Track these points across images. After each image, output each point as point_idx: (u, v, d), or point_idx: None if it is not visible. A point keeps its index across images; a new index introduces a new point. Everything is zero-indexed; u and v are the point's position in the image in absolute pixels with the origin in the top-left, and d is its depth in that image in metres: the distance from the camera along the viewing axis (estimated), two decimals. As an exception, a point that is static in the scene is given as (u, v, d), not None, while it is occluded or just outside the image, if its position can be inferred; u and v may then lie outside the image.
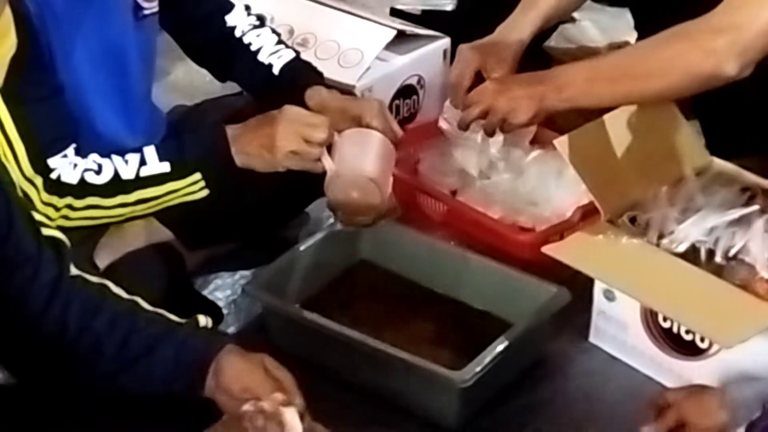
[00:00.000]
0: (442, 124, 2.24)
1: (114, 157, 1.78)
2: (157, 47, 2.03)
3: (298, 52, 2.09)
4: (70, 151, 1.75)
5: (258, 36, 2.06)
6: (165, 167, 1.79)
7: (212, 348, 1.46)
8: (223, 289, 2.11)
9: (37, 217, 1.47)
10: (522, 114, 2.00)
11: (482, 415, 1.82)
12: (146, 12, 1.91)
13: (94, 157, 1.77)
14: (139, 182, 1.78)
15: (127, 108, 1.92)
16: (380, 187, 1.84)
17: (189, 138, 1.84)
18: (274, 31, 2.10)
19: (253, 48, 2.06)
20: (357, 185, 1.84)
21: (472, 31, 2.19)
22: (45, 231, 1.45)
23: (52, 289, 1.41)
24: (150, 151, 1.79)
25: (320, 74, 2.08)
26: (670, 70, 1.89)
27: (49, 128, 1.72)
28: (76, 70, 1.80)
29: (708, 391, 1.62)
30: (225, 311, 2.04)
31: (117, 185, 1.78)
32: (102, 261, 1.88)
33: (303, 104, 1.96)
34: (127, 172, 1.78)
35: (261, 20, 2.11)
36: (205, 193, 1.82)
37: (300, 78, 2.03)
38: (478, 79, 2.13)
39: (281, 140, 1.80)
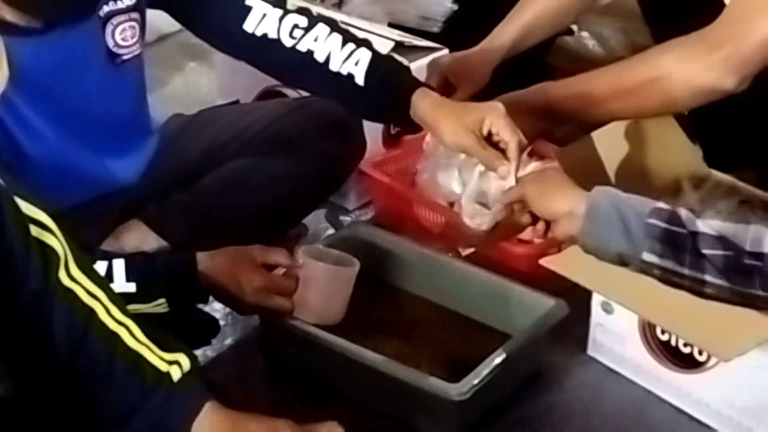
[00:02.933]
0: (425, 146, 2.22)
1: None
2: (153, 57, 2.02)
3: (369, 44, 1.92)
4: None
5: (315, 40, 1.89)
6: (131, 288, 1.71)
7: (192, 410, 1.43)
8: (220, 300, 2.10)
9: (29, 212, 1.41)
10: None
11: (479, 428, 1.81)
12: (124, 58, 1.87)
13: None
14: None
15: (116, 148, 1.91)
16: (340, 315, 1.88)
17: (160, 261, 1.76)
18: (325, 22, 1.91)
19: (319, 58, 1.89)
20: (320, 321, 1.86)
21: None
22: (36, 233, 1.40)
23: (37, 304, 1.38)
24: (119, 267, 1.70)
25: (407, 68, 1.96)
26: (668, 85, 1.89)
27: None
28: (60, 130, 1.79)
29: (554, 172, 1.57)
30: (222, 323, 2.03)
31: None
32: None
33: (405, 112, 1.87)
34: None
35: (307, 16, 1.91)
36: (165, 311, 1.75)
37: (390, 83, 1.90)
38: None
39: (249, 295, 1.77)
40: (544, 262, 1.94)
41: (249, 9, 1.91)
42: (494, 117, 1.81)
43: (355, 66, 1.88)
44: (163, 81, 2.67)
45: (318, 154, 2.04)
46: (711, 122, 2.25)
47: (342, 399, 1.83)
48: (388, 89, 1.89)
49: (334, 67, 1.89)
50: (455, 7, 2.70)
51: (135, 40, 1.88)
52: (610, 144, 2.02)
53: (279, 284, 1.80)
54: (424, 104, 1.86)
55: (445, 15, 2.69)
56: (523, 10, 2.17)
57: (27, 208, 1.40)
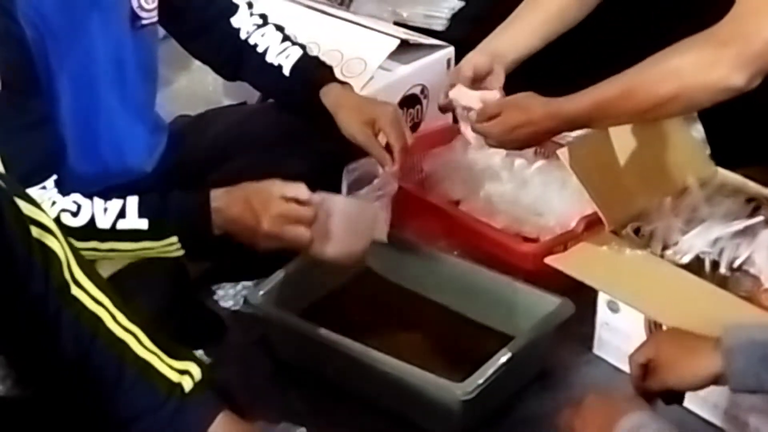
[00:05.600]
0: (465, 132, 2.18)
1: (96, 200, 1.73)
2: (160, 57, 2.02)
3: (304, 48, 2.09)
4: (50, 183, 1.72)
5: (263, 36, 2.06)
6: (143, 224, 1.73)
7: (203, 422, 1.41)
8: (225, 299, 2.10)
9: (30, 213, 1.39)
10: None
11: (484, 427, 1.81)
12: (144, 22, 1.92)
13: (75, 197, 1.72)
14: (114, 234, 1.73)
15: (128, 118, 1.92)
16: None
17: (172, 199, 1.77)
18: (278, 27, 2.10)
19: (259, 50, 2.06)
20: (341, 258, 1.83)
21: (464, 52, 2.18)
22: (37, 234, 1.38)
23: (39, 306, 1.37)
24: (132, 204, 1.73)
25: (330, 68, 2.09)
26: (681, 89, 1.85)
27: (28, 158, 1.69)
28: (75, 85, 1.79)
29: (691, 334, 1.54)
30: (227, 322, 2.03)
31: (91, 231, 1.72)
32: (105, 271, 1.87)
33: (318, 103, 1.99)
34: (104, 222, 1.72)
35: (264, 18, 2.11)
36: (180, 253, 1.77)
37: (311, 76, 2.04)
38: None
39: (265, 223, 1.75)
40: (549, 260, 1.94)
41: (236, 6, 2.09)
42: (384, 120, 1.95)
43: (286, 59, 2.05)
44: (168, 80, 2.66)
45: (322, 152, 2.04)
46: (719, 119, 2.24)
47: (346, 398, 1.83)
48: (305, 81, 2.04)
49: (269, 58, 2.05)
50: (461, 4, 2.69)
51: (155, 5, 1.94)
52: (616, 140, 2.01)
53: (297, 213, 1.76)
54: (330, 96, 2.01)
55: (450, 13, 2.68)
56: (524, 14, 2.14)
57: (27, 208, 1.39)
